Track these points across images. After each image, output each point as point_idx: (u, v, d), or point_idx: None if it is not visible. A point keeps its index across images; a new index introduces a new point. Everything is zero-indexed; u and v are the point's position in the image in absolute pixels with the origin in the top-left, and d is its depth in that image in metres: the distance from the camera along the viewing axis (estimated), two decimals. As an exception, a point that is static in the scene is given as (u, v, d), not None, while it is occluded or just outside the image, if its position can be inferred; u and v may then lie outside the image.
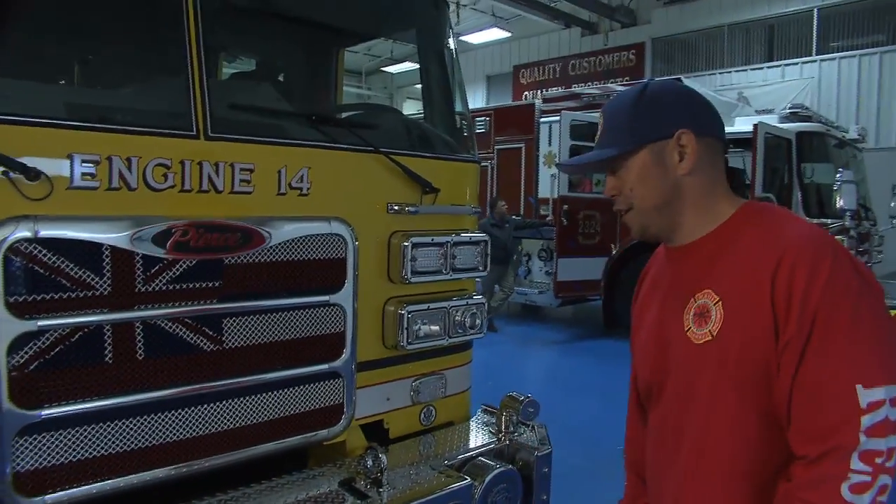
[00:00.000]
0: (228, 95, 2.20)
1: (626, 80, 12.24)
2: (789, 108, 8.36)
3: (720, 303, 1.27)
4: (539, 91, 17.78)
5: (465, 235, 2.84)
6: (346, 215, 2.40)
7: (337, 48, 3.76)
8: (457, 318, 2.82)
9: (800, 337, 1.16)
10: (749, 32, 15.64)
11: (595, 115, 10.01)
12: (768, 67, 14.91)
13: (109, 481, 1.93)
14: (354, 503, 2.16)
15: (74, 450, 1.86)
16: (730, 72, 15.03)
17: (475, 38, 21.13)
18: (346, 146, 2.44)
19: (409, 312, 2.64)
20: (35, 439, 1.80)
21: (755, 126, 7.10)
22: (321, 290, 2.36)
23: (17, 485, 1.78)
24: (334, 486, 2.26)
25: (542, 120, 11.12)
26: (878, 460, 1.11)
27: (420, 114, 3.36)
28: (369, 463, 2.29)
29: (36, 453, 1.80)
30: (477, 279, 3.02)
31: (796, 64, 14.51)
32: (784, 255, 1.20)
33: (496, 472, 2.46)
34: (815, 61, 14.23)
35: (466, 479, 2.38)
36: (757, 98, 13.81)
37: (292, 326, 2.30)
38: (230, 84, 2.45)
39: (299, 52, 3.58)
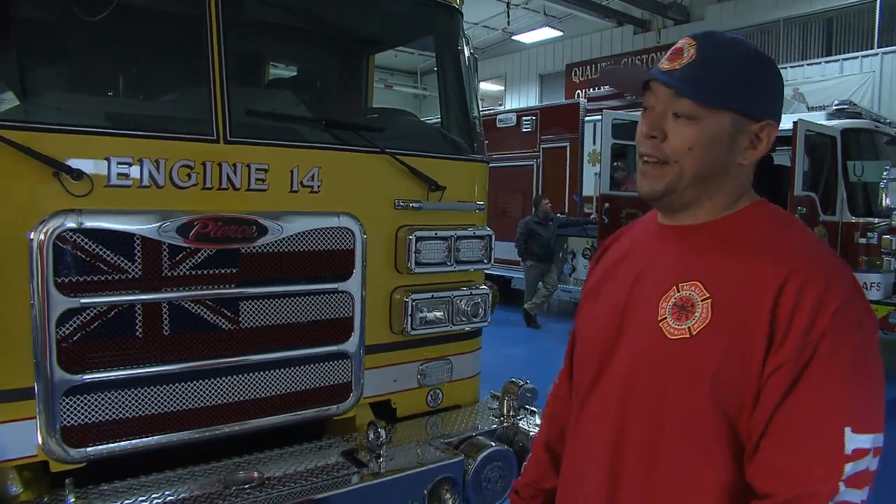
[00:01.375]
0: (247, 103, 2.48)
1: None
2: (836, 105, 8.17)
3: (709, 301, 1.13)
4: (591, 90, 17.71)
5: (469, 230, 3.05)
6: (355, 211, 2.65)
7: (363, 55, 4.02)
8: (461, 306, 3.03)
9: (796, 363, 1.03)
10: (806, 26, 15.18)
11: (638, 114, 10.01)
12: (826, 62, 14.44)
13: (140, 440, 2.23)
14: (353, 471, 2.40)
15: (110, 411, 2.17)
16: (786, 67, 14.59)
17: (527, 38, 21.17)
18: (354, 147, 2.69)
19: (413, 300, 2.87)
20: (78, 399, 2.12)
21: (795, 123, 7.00)
22: (331, 278, 2.62)
23: (64, 437, 2.10)
24: (338, 455, 2.51)
25: (587, 119, 11.17)
26: None
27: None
28: (371, 436, 2.54)
29: (78, 412, 2.12)
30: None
31: (856, 58, 14.00)
32: (795, 270, 1.07)
33: (490, 450, 2.66)
34: (876, 55, 13.70)
35: (461, 455, 2.59)
36: (814, 94, 13.44)
37: (304, 310, 2.56)
38: (249, 92, 2.72)
39: (320, 59, 3.87)
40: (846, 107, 8.02)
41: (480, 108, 3.51)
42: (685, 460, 1.13)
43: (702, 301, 1.14)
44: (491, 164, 3.52)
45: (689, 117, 1.16)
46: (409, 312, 2.88)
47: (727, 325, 1.10)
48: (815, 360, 1.03)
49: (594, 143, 11.16)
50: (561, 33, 20.44)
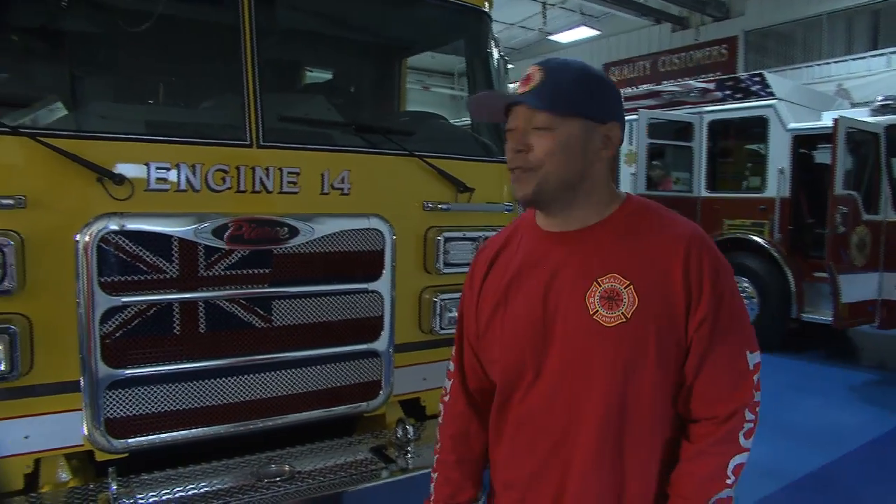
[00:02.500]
0: (279, 109, 2.56)
1: (718, 75, 11.91)
2: (880, 100, 7.92)
3: (631, 287, 1.32)
4: (628, 89, 17.51)
5: (497, 230, 3.07)
6: (385, 212, 2.71)
7: (394, 59, 4.09)
8: (489, 307, 3.06)
9: (710, 316, 1.31)
10: (851, 20, 14.72)
11: (675, 113, 9.91)
12: (871, 57, 13.99)
13: (179, 432, 2.33)
14: (381, 466, 2.46)
15: (150, 404, 2.28)
16: (829, 63, 14.23)
17: (564, 38, 21.03)
18: (383, 150, 2.75)
19: (441, 300, 2.92)
20: (120, 393, 2.23)
21: (835, 120, 6.83)
22: (361, 278, 2.68)
23: (108, 428, 2.21)
24: (367, 451, 2.58)
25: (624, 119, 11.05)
26: (758, 409, 1.37)
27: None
28: (399, 433, 2.60)
29: (121, 405, 2.23)
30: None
31: (904, 52, 13.55)
32: (690, 246, 1.34)
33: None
34: (926, 48, 13.25)
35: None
36: (859, 89, 13.01)
37: (335, 310, 2.63)
38: (281, 98, 2.82)
39: (352, 64, 3.95)
40: (891, 102, 7.77)
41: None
42: (649, 421, 1.36)
43: (625, 288, 1.33)
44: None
45: (546, 128, 1.34)
46: (438, 312, 2.93)
47: (653, 302, 1.32)
48: (721, 309, 1.32)
49: (630, 143, 11.05)
50: (598, 32, 20.26)
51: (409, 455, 2.54)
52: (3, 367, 2.06)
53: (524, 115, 1.36)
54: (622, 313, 1.32)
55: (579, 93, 1.36)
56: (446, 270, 2.91)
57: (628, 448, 1.36)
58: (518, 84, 1.40)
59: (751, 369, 1.36)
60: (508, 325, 1.45)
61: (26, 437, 2.18)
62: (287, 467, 2.35)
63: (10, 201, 2.03)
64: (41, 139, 2.06)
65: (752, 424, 1.36)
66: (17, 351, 2.06)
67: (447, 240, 2.90)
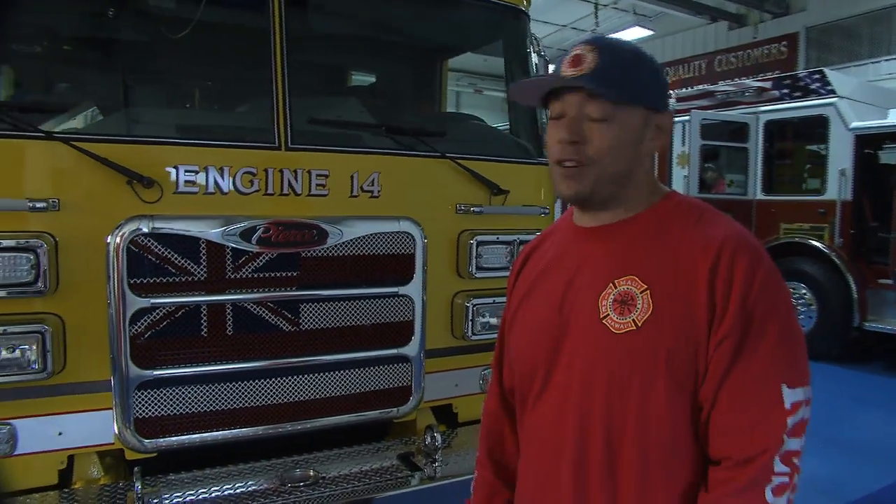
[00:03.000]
0: (309, 111, 2.55)
1: (777, 73, 11.45)
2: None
3: (648, 292, 1.18)
4: (681, 89, 17.06)
5: (533, 234, 3.00)
6: (416, 215, 2.67)
7: (431, 60, 4.06)
8: (524, 312, 2.98)
9: (734, 334, 1.12)
10: (923, 14, 13.98)
11: (729, 114, 9.59)
12: (945, 51, 13.26)
13: (207, 433, 2.34)
14: (406, 474, 2.42)
15: (179, 405, 2.29)
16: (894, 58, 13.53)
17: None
18: (413, 152, 2.71)
19: (474, 305, 2.86)
20: (149, 393, 2.25)
21: (906, 118, 6.48)
22: (391, 282, 2.65)
23: (137, 428, 2.24)
24: (394, 458, 2.54)
25: (675, 119, 10.76)
26: (795, 460, 1.12)
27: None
28: (427, 441, 2.55)
29: (150, 405, 2.25)
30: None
31: (982, 46, 12.76)
32: (721, 251, 1.15)
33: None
34: None
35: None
36: (931, 86, 12.33)
37: (365, 314, 2.60)
38: (311, 100, 2.81)
39: (385, 66, 3.93)
40: (965, 99, 7.33)
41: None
42: (660, 455, 1.18)
43: (641, 293, 1.19)
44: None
45: (605, 118, 1.20)
46: (471, 317, 2.88)
47: (669, 311, 1.16)
48: (752, 328, 1.12)
49: (683, 144, 10.75)
50: (651, 32, 19.83)
51: (437, 464, 2.49)
52: (36, 366, 2.11)
53: (576, 103, 1.21)
54: (633, 320, 1.18)
55: (638, 77, 1.23)
56: (479, 275, 2.85)
57: (627, 483, 1.18)
58: (565, 66, 1.23)
59: (786, 408, 1.11)
60: (527, 326, 1.38)
61: (60, 434, 2.23)
62: (312, 472, 2.33)
63: (44, 204, 2.08)
64: (74, 144, 2.10)
65: (785, 479, 1.11)
66: (50, 350, 2.11)
67: (480, 243, 2.84)
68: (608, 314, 1.21)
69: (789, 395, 1.12)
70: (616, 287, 1.22)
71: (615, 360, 1.19)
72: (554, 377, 1.28)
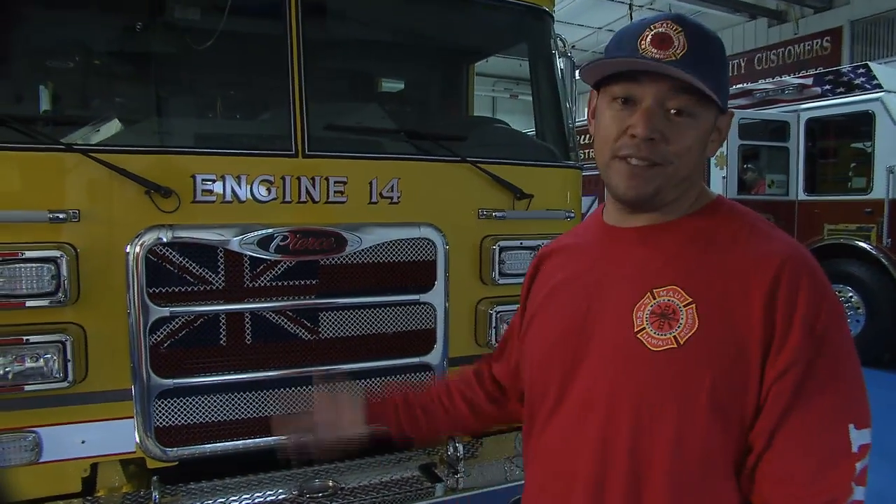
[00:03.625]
0: (326, 117, 2.54)
1: (820, 69, 11.08)
2: None
3: (693, 306, 1.04)
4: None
5: (558, 239, 2.93)
6: (437, 221, 2.63)
7: (455, 64, 4.02)
8: (549, 319, 2.91)
9: (798, 365, 0.98)
10: (976, 3, 13.40)
11: (769, 112, 9.31)
12: None
13: (227, 442, 2.34)
14: (425, 486, 2.37)
15: (198, 414, 2.29)
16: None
17: (651, 39, 20.38)
18: (433, 157, 2.67)
19: (497, 312, 2.80)
20: (169, 402, 2.25)
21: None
22: (413, 289, 2.61)
23: (158, 437, 2.25)
24: (415, 469, 2.49)
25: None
26: None
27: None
28: (450, 451, 2.50)
29: (170, 414, 2.26)
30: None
31: None
32: (781, 270, 1.01)
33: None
34: None
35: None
36: None
37: (386, 322, 2.57)
38: (329, 106, 2.79)
39: (406, 71, 3.90)
40: None
41: (576, 113, 3.38)
42: (695, 493, 1.04)
43: (685, 307, 1.05)
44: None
45: (691, 114, 1.06)
46: (495, 325, 2.81)
47: (717, 331, 1.02)
48: (819, 360, 0.98)
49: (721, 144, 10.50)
50: (688, 31, 19.49)
51: (460, 475, 2.43)
52: (59, 375, 2.13)
53: (656, 91, 1.05)
54: (674, 336, 1.03)
55: (722, 70, 1.08)
56: (502, 281, 2.79)
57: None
58: (646, 44, 1.05)
59: (854, 451, 0.98)
60: (545, 334, 1.25)
61: (83, 442, 2.24)
62: (331, 482, 2.30)
63: (65, 215, 2.10)
64: (93, 155, 2.12)
65: None
66: (71, 359, 2.12)
67: (503, 249, 2.78)
68: (644, 327, 1.07)
69: (857, 438, 0.98)
70: (655, 298, 1.08)
71: (649, 382, 1.06)
72: (572, 393, 1.16)
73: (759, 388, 1.00)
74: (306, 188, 2.39)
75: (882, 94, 7.50)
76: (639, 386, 1.07)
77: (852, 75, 7.95)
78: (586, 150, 6.97)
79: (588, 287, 1.18)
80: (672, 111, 1.06)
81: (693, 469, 1.03)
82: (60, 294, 2.09)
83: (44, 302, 2.07)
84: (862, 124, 7.78)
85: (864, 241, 7.55)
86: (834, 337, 1.00)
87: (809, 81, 8.52)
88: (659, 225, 1.15)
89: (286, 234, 2.31)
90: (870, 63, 8.05)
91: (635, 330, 1.08)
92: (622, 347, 1.09)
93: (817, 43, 15.81)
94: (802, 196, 8.30)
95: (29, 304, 2.07)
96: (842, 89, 7.99)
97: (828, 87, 8.19)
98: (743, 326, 1.01)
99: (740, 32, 18.40)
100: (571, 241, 1.33)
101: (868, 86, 7.70)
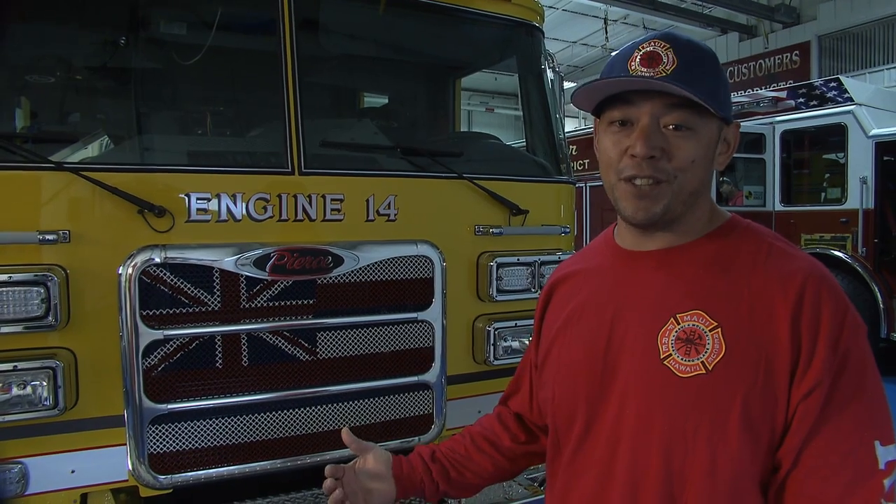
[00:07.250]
0: (321, 134, 2.50)
1: (791, 83, 11.30)
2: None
3: (719, 330, 1.04)
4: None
5: (555, 254, 2.92)
6: (434, 238, 2.60)
7: (444, 80, 4.01)
8: (546, 335, 2.89)
9: (824, 383, 0.98)
10: (937, 18, 13.84)
11: (744, 124, 9.45)
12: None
13: (223, 468, 2.26)
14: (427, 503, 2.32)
15: (194, 439, 2.22)
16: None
17: (625, 52, 20.69)
18: (429, 174, 2.65)
19: (495, 329, 2.77)
20: (164, 428, 2.18)
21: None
22: (410, 307, 2.57)
23: (152, 463, 2.17)
24: (417, 488, 2.44)
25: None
26: None
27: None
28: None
29: (164, 440, 2.18)
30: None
31: None
32: (805, 285, 1.02)
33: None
34: None
35: (541, 494, 2.45)
36: (949, 92, 12.15)
37: (383, 341, 2.52)
38: (324, 123, 2.76)
39: (399, 87, 3.88)
40: None
41: (564, 127, 3.39)
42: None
43: (710, 331, 1.04)
44: (593, 184, 3.39)
45: (689, 128, 1.06)
46: (493, 341, 2.79)
47: (744, 354, 1.02)
48: (843, 377, 0.99)
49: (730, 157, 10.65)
50: (661, 45, 19.82)
51: (462, 495, 2.38)
52: (48, 402, 2.05)
53: (651, 109, 1.05)
54: (702, 362, 1.03)
55: (717, 80, 1.08)
56: (500, 298, 2.77)
57: None
58: (634, 64, 1.06)
59: (881, 469, 0.97)
60: (564, 365, 1.22)
61: (73, 472, 2.16)
62: (332, 508, 2.23)
63: (55, 236, 2.03)
64: (83, 174, 2.05)
65: None
66: (61, 385, 2.04)
67: (500, 265, 2.76)
68: (670, 354, 1.06)
69: (883, 454, 0.98)
70: (679, 323, 1.06)
71: (679, 409, 1.04)
72: (600, 423, 1.14)
73: (787, 406, 1.00)
74: (303, 206, 2.35)
75: (853, 106, 7.68)
76: (669, 412, 1.05)
77: (825, 89, 8.13)
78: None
79: (608, 313, 1.16)
80: (670, 126, 1.06)
81: (725, 489, 1.03)
82: (51, 318, 2.01)
83: (33, 326, 1.99)
84: (835, 136, 7.96)
85: (840, 251, 7.69)
86: (856, 352, 1.01)
87: (784, 94, 8.69)
88: (676, 248, 1.13)
89: (282, 253, 2.26)
90: (841, 77, 8.24)
91: (661, 356, 1.07)
92: (649, 375, 1.08)
93: (787, 57, 16.18)
94: (779, 207, 8.43)
95: (17, 329, 1.99)
96: (815, 102, 8.17)
97: (801, 100, 8.36)
98: (770, 347, 1.01)
99: (712, 46, 18.65)
100: (582, 266, 1.31)
101: (840, 99, 7.88)
